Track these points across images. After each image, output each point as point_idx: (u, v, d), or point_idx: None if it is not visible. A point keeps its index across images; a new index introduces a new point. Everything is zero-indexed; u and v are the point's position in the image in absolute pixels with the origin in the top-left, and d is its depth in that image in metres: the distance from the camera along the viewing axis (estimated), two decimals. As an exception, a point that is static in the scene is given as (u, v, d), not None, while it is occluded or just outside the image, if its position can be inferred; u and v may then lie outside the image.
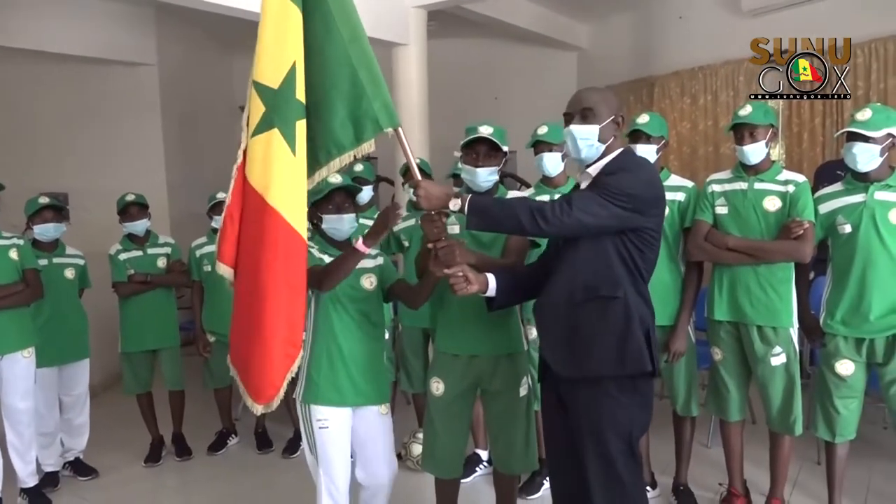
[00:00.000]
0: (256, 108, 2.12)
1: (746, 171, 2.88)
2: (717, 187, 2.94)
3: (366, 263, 2.45)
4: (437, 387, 2.53)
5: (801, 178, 2.82)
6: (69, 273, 3.70)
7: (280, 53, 2.10)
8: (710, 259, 2.93)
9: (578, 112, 2.12)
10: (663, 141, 3.05)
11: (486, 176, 2.49)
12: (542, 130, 3.07)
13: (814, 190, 2.92)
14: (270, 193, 2.09)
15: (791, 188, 2.77)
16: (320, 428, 2.41)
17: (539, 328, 2.21)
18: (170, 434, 4.14)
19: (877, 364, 2.72)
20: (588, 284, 2.07)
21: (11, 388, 3.38)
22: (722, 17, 5.84)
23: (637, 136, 3.00)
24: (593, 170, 2.14)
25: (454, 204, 2.05)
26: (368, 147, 2.19)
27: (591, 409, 2.07)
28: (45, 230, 3.60)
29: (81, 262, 3.80)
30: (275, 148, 2.09)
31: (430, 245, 2.17)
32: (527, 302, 2.49)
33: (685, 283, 3.01)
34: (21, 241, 3.43)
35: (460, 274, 2.13)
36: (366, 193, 3.79)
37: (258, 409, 2.19)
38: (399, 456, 3.21)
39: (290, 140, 2.10)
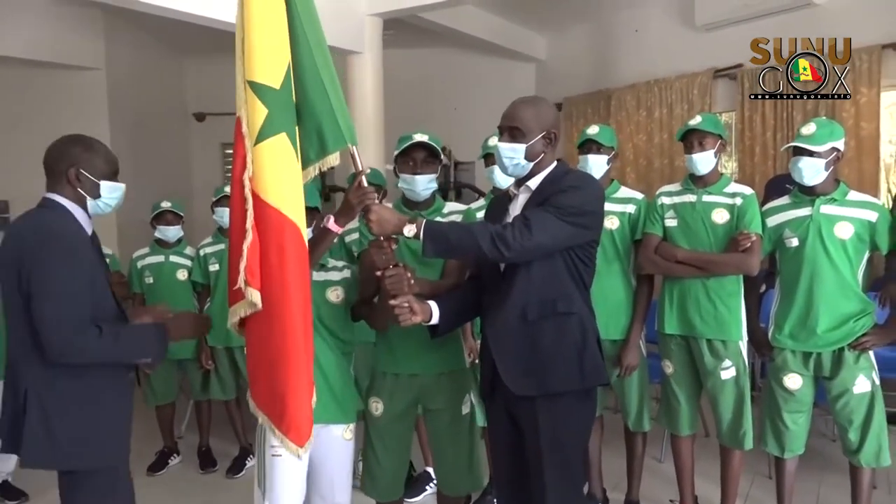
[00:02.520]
0: (257, 111, 1.90)
1: (695, 183, 2.87)
2: (666, 200, 2.92)
3: (332, 276, 2.35)
4: (377, 407, 2.44)
5: (748, 190, 2.82)
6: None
7: (277, 50, 1.94)
8: (660, 272, 2.92)
9: (507, 129, 2.12)
10: (614, 152, 3.03)
11: (425, 184, 2.42)
12: (492, 142, 3.03)
13: (764, 203, 2.92)
14: (286, 205, 1.89)
15: (738, 201, 2.77)
16: (273, 455, 2.17)
17: (492, 346, 2.15)
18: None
19: (824, 378, 2.72)
20: (543, 301, 2.06)
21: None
22: (677, 32, 5.90)
23: (588, 146, 2.99)
24: (533, 183, 2.14)
25: (408, 230, 1.99)
26: (334, 160, 2.05)
27: (551, 423, 2.05)
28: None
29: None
30: (284, 154, 1.92)
31: (378, 273, 2.08)
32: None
33: (636, 297, 2.99)
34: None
35: (405, 304, 2.06)
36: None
37: (299, 452, 1.93)
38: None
39: (295, 145, 1.96)
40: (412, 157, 2.40)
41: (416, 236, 1.99)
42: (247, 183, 1.91)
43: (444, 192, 6.89)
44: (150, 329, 2.03)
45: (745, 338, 2.85)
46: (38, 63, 5.61)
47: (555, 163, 2.17)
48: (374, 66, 5.14)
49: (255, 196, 1.90)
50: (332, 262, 2.39)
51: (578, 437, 2.15)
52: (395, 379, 2.43)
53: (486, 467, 2.55)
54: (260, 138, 1.90)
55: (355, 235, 3.48)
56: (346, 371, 2.40)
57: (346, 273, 2.40)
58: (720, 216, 2.78)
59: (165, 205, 3.86)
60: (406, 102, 6.64)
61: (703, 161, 2.80)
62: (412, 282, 2.08)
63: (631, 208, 2.98)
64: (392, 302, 2.06)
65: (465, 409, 2.45)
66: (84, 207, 2.02)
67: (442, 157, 2.45)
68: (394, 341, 2.41)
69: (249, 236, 1.88)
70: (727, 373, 2.81)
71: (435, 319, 2.16)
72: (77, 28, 5.72)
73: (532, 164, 2.12)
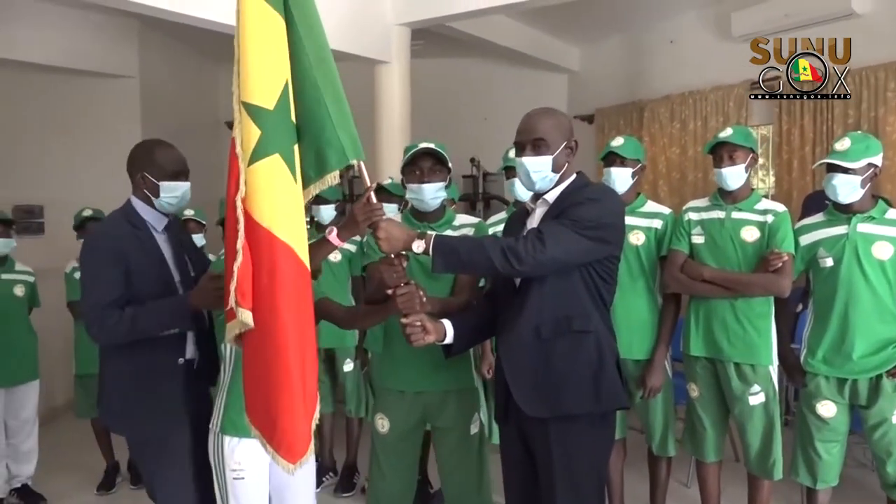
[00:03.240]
0: (251, 133, 1.87)
1: (724, 198, 2.77)
2: (693, 215, 2.82)
3: None
4: (382, 424, 2.39)
5: (780, 207, 2.70)
6: (18, 290, 3.57)
7: (272, 70, 1.90)
8: (685, 291, 2.82)
9: (530, 142, 2.05)
10: (639, 165, 2.93)
11: (433, 192, 2.37)
12: (513, 154, 2.96)
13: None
14: (279, 226, 1.86)
15: (770, 218, 2.66)
16: (235, 479, 2.13)
17: (505, 365, 2.08)
18: (125, 460, 3.95)
19: (860, 406, 2.58)
20: (558, 319, 2.00)
21: (-46, 412, 3.23)
22: (712, 43, 5.77)
23: (612, 159, 2.90)
24: (550, 196, 2.09)
25: (417, 245, 1.93)
26: (332, 179, 1.99)
27: (564, 448, 1.99)
28: (-7, 245, 3.47)
29: (31, 279, 3.67)
30: (278, 175, 1.88)
31: (388, 291, 2.03)
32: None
33: (662, 315, 2.89)
34: (-29, 257, 3.30)
35: (418, 323, 2.01)
36: (326, 213, 3.67)
37: (292, 469, 1.91)
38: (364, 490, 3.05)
39: (291, 165, 1.91)
40: (418, 165, 2.35)
41: (426, 252, 1.93)
42: (238, 204, 1.88)
43: (473, 203, 6.83)
44: (168, 302, 2.16)
45: (776, 362, 2.73)
46: (72, 71, 5.73)
47: (574, 175, 2.11)
48: (402, 76, 5.11)
49: (248, 217, 1.86)
50: None
51: (593, 464, 2.06)
52: (401, 396, 2.38)
53: (496, 486, 2.47)
54: (253, 159, 1.87)
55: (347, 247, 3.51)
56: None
57: None
58: (750, 234, 2.67)
59: (188, 213, 3.87)
60: (434, 113, 6.62)
61: (733, 175, 2.70)
62: (424, 300, 2.02)
63: (657, 223, 2.88)
64: (404, 321, 2.01)
65: (474, 429, 2.39)
66: (153, 206, 2.29)
67: (449, 164, 2.39)
68: (398, 357, 2.35)
69: (240, 257, 1.85)
70: (756, 398, 2.69)
71: (449, 339, 2.10)
72: (112, 36, 5.82)
73: (558, 176, 2.07)
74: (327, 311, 2.29)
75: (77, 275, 3.69)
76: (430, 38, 5.72)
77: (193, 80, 6.96)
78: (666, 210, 2.94)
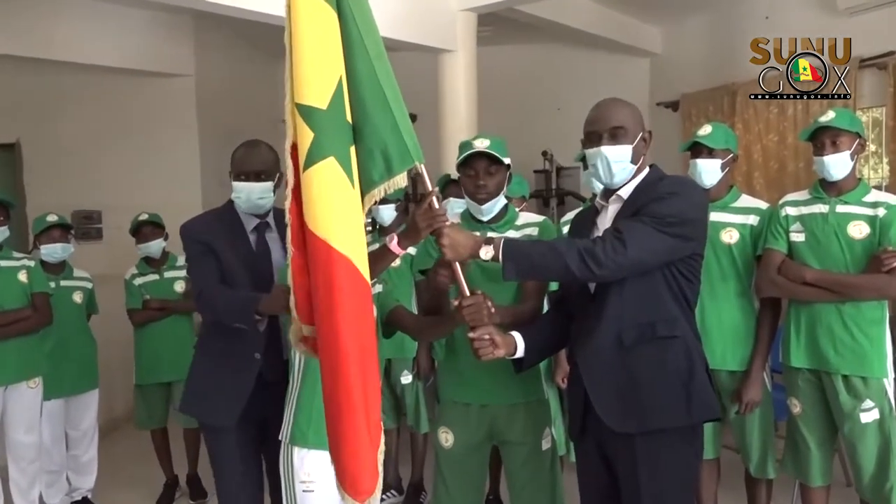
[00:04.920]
0: (304, 135, 1.87)
1: (827, 190, 2.69)
2: (791, 210, 2.75)
3: None
4: (446, 438, 2.42)
5: (894, 199, 2.61)
6: (77, 297, 3.75)
7: (324, 67, 1.90)
8: (784, 295, 2.75)
9: (607, 131, 2.04)
10: (730, 155, 2.86)
11: (490, 206, 2.38)
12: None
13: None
14: (336, 237, 1.85)
15: (881, 211, 2.57)
16: (304, 491, 2.19)
17: (585, 378, 2.07)
18: (185, 474, 4.11)
19: None
20: (641, 325, 1.99)
21: (16, 421, 3.42)
22: (815, 17, 5.57)
23: (698, 149, 2.85)
24: (624, 192, 2.08)
25: (485, 252, 1.94)
26: (401, 180, 1.98)
27: (651, 465, 1.97)
28: (53, 251, 3.66)
29: (89, 285, 3.86)
30: (334, 180, 1.87)
31: (454, 303, 2.04)
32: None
33: (759, 323, 2.83)
34: (31, 263, 3.50)
35: (486, 337, 2.02)
36: (387, 213, 3.71)
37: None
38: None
39: (348, 169, 1.90)
40: (473, 167, 2.35)
41: (495, 258, 1.93)
42: (286, 213, 1.94)
43: (546, 200, 6.80)
44: (239, 297, 2.36)
45: (892, 374, 2.64)
46: (127, 71, 5.99)
47: (647, 168, 2.10)
48: (468, 65, 5.15)
49: (305, 227, 1.89)
50: None
51: (682, 482, 2.04)
52: (466, 409, 2.40)
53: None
54: (307, 164, 1.86)
55: (374, 247, 3.51)
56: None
57: (378, 288, 2.37)
58: (858, 230, 2.59)
59: (51, 218, 3.76)
60: (504, 103, 6.62)
61: (837, 164, 2.61)
62: (493, 311, 2.02)
63: (753, 219, 2.81)
64: (472, 335, 2.01)
65: (546, 444, 2.39)
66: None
67: (507, 161, 2.37)
68: (462, 367, 2.37)
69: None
70: (868, 415, 2.60)
71: (520, 353, 2.11)
72: (167, 35, 6.06)
73: (635, 168, 2.07)
74: (401, 321, 2.33)
75: (137, 281, 3.90)
76: (498, 24, 5.73)
77: (250, 76, 7.17)
78: (763, 205, 2.87)
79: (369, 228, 4.63)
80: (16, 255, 3.48)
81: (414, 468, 3.89)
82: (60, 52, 5.41)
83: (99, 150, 6.36)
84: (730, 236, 2.79)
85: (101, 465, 3.98)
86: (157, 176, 6.22)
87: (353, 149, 1.93)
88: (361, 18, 1.99)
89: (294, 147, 1.93)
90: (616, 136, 2.03)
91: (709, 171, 2.81)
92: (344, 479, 1.88)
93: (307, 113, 1.87)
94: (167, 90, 6.33)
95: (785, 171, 5.77)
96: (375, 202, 2.01)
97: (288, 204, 1.94)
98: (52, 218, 3.67)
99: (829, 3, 5.40)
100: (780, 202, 2.82)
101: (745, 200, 2.88)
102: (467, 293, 2.01)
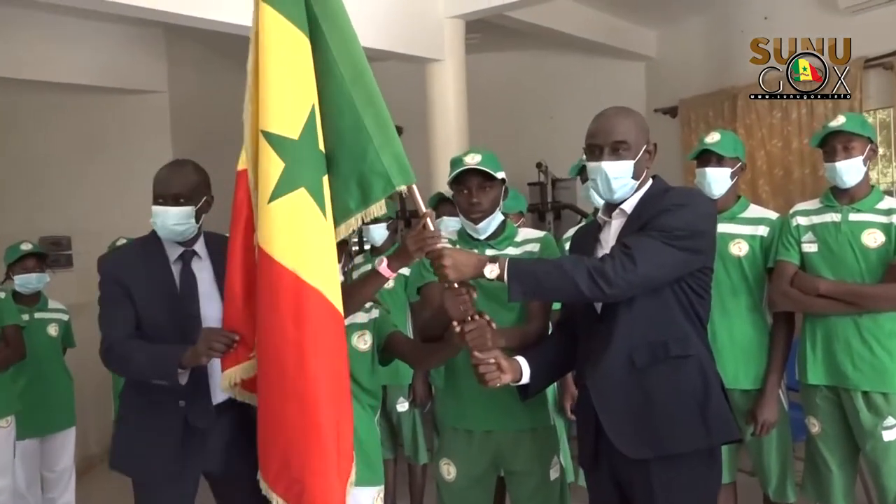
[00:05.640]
0: (273, 165, 1.93)
1: (839, 198, 2.72)
2: (803, 220, 2.78)
3: (359, 318, 2.34)
4: (448, 470, 2.42)
5: (909, 205, 2.64)
6: (52, 330, 3.75)
7: (296, 96, 1.96)
8: (797, 308, 2.77)
9: (609, 145, 2.05)
10: (739, 164, 2.89)
11: (486, 224, 2.40)
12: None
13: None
14: (306, 269, 1.93)
15: (896, 218, 2.60)
16: None
17: (595, 402, 2.06)
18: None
19: None
20: (653, 344, 2.00)
21: (-13, 463, 3.39)
22: (815, 17, 5.65)
23: (707, 157, 2.88)
24: (628, 206, 2.09)
25: (490, 270, 1.95)
26: (378, 209, 2.07)
27: (669, 491, 1.98)
28: (27, 281, 3.65)
29: (65, 317, 3.85)
30: (305, 211, 1.94)
31: (455, 325, 2.04)
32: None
33: (773, 338, 2.84)
34: (1, 295, 3.48)
35: (492, 361, 2.02)
36: (377, 233, 3.72)
37: None
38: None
39: (320, 200, 1.97)
40: (466, 184, 2.37)
41: (500, 278, 1.94)
42: (256, 246, 1.98)
43: (542, 214, 6.82)
44: (157, 353, 2.26)
45: (915, 388, 2.64)
46: (97, 88, 5.99)
47: (650, 180, 2.11)
48: (456, 74, 5.18)
49: (268, 259, 1.93)
50: None
51: None
52: (468, 437, 2.40)
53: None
54: (276, 195, 1.92)
55: (366, 268, 3.56)
56: (372, 426, 2.39)
57: (375, 313, 2.38)
58: (873, 238, 2.62)
59: (26, 247, 3.76)
60: (495, 113, 6.66)
61: (850, 170, 2.65)
62: (496, 333, 2.04)
63: (763, 230, 2.84)
64: (477, 357, 2.01)
65: (554, 474, 2.39)
66: None
67: (501, 176, 2.39)
68: (463, 391, 2.37)
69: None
70: (891, 433, 2.62)
71: (525, 378, 2.11)
72: (138, 50, 6.08)
73: (637, 183, 2.08)
74: (398, 348, 2.34)
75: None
76: (486, 31, 5.78)
77: (226, 92, 7.14)
78: (773, 214, 2.90)
79: (359, 249, 4.64)
80: (-17, 286, 3.48)
81: (413, 500, 3.87)
82: (28, 70, 5.42)
83: (68, 171, 6.34)
84: (739, 248, 2.81)
85: (79, 508, 3.94)
86: (129, 197, 6.17)
87: (325, 178, 1.99)
88: (337, 41, 2.03)
89: (244, 173, 2.00)
90: (618, 151, 2.04)
91: (718, 180, 2.83)
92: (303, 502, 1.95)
93: (277, 142, 1.93)
94: (140, 107, 6.35)
95: (791, 178, 5.81)
96: (364, 223, 2.08)
97: (258, 236, 1.98)
98: (26, 247, 3.66)
99: (829, 1, 5.47)
100: (791, 212, 2.85)
101: (754, 210, 2.91)
102: (470, 316, 2.02)
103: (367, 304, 2.36)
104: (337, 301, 1.98)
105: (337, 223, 2.04)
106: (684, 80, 6.56)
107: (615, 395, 2.03)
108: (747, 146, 5.91)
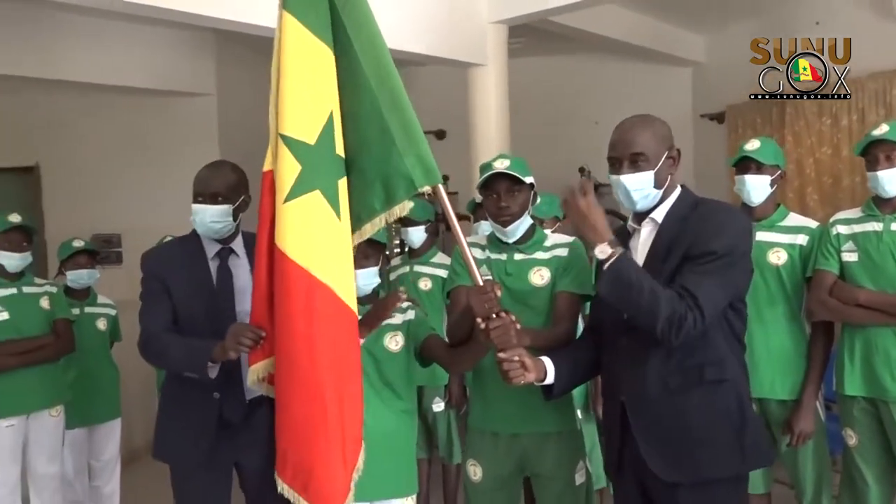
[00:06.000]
0: (289, 167, 2.03)
1: (881, 207, 2.71)
2: (843, 229, 2.76)
3: (393, 319, 2.39)
4: (475, 471, 2.45)
5: (952, 216, 2.60)
6: (101, 324, 3.88)
7: (314, 103, 2.05)
8: (836, 318, 2.77)
9: (627, 157, 2.05)
10: (779, 171, 2.88)
11: (515, 228, 2.43)
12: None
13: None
14: (318, 267, 2.03)
15: (939, 229, 2.58)
16: None
17: (631, 420, 2.07)
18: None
19: None
20: (688, 367, 2.00)
21: (38, 451, 3.54)
22: (869, 22, 5.57)
23: (746, 165, 2.87)
24: (658, 215, 2.10)
25: (601, 251, 1.94)
26: (401, 209, 2.13)
27: None
28: (79, 276, 3.79)
29: (113, 312, 3.99)
30: (318, 212, 2.04)
31: (480, 322, 2.06)
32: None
33: (810, 348, 2.83)
34: (53, 289, 3.63)
35: (516, 359, 2.04)
36: (416, 235, 3.78)
37: None
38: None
39: (334, 202, 2.06)
40: (494, 189, 2.40)
41: (605, 262, 1.94)
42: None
43: (584, 219, 6.82)
44: (190, 346, 2.37)
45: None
46: (149, 91, 6.19)
47: (678, 189, 2.12)
48: (499, 79, 5.22)
49: (282, 256, 2.02)
50: None
51: None
52: (494, 439, 2.43)
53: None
54: (291, 196, 2.02)
55: (404, 270, 3.66)
56: (407, 434, 2.42)
57: (410, 314, 2.42)
58: (915, 249, 2.60)
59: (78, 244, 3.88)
60: (537, 117, 6.69)
61: (892, 179, 2.64)
62: (520, 331, 2.06)
63: (802, 239, 2.83)
64: (501, 356, 2.04)
65: (580, 479, 2.41)
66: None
67: (530, 180, 2.42)
68: (489, 393, 2.40)
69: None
70: (929, 446, 2.58)
71: (550, 379, 2.13)
72: (189, 54, 6.25)
73: (661, 192, 2.08)
74: (433, 352, 2.37)
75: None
76: (530, 35, 5.81)
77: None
78: (812, 223, 2.89)
79: (399, 251, 4.71)
80: (38, 281, 3.62)
81: (446, 502, 3.92)
82: (80, 73, 5.62)
83: (119, 171, 6.56)
84: (777, 257, 2.80)
85: (123, 496, 4.09)
86: (176, 197, 6.32)
87: (341, 182, 2.08)
88: (364, 47, 2.11)
89: (269, 174, 2.09)
90: (636, 163, 2.04)
91: (757, 188, 2.83)
92: (317, 497, 2.04)
93: (294, 145, 2.03)
94: (188, 110, 6.52)
95: (840, 186, 5.74)
96: (387, 223, 2.16)
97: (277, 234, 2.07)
98: (78, 244, 3.80)
99: (884, 6, 5.39)
100: (831, 220, 2.84)
101: (794, 219, 2.90)
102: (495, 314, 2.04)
103: (404, 305, 2.41)
104: (349, 298, 2.07)
105: (362, 223, 2.14)
106: (732, 86, 6.47)
107: (650, 414, 2.03)
108: (795, 153, 5.88)
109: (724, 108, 6.51)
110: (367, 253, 2.36)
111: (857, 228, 2.73)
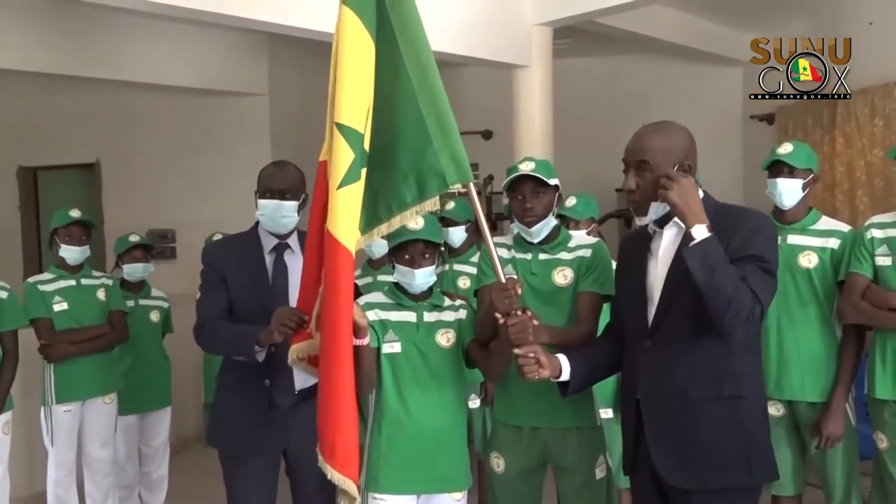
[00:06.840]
0: (344, 155, 2.10)
1: (916, 211, 2.70)
2: (878, 233, 2.78)
3: (445, 316, 2.43)
4: (498, 463, 2.53)
5: None
6: (154, 316, 4.09)
7: (361, 94, 2.15)
8: (868, 322, 2.78)
9: (633, 164, 2.10)
10: (811, 175, 2.91)
11: (539, 228, 2.50)
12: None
13: None
14: (353, 247, 2.16)
15: (973, 234, 2.57)
16: None
17: (647, 423, 2.13)
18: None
19: None
20: (708, 381, 2.04)
21: (92, 435, 3.76)
22: (924, 22, 5.47)
23: (779, 168, 2.90)
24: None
25: (699, 230, 1.92)
26: (432, 204, 2.23)
27: None
28: (135, 270, 4.00)
29: (166, 304, 4.19)
30: (358, 199, 2.17)
31: (499, 318, 2.13)
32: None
33: (841, 353, 2.85)
34: (110, 281, 3.84)
35: (531, 355, 2.11)
36: (457, 235, 3.88)
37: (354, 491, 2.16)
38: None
39: (364, 193, 2.21)
40: (520, 190, 2.47)
41: (688, 243, 1.93)
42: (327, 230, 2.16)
43: (628, 220, 6.84)
44: (238, 331, 2.54)
45: None
46: (202, 91, 6.42)
47: (700, 195, 2.11)
48: (543, 80, 5.27)
49: (335, 242, 2.12)
50: (447, 301, 2.47)
51: None
52: (517, 432, 2.50)
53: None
54: (344, 182, 2.11)
55: (468, 268, 3.72)
56: (458, 429, 2.45)
57: (462, 313, 2.46)
58: (950, 253, 2.60)
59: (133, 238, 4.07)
60: (584, 118, 6.71)
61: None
62: (538, 328, 2.14)
63: (834, 243, 2.85)
64: (517, 351, 2.11)
65: (600, 473, 2.47)
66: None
67: (555, 182, 2.48)
68: (512, 389, 2.47)
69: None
70: (960, 451, 2.59)
71: (565, 376, 2.20)
72: (242, 55, 6.45)
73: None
74: (472, 354, 2.41)
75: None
76: (576, 36, 5.83)
77: (323, 93, 7.45)
78: (844, 227, 2.91)
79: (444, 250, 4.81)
80: (96, 273, 3.84)
81: (481, 494, 4.01)
82: (138, 73, 5.87)
83: (173, 169, 6.82)
84: (808, 260, 2.83)
85: (172, 482, 4.28)
86: (229, 194, 6.55)
87: (363, 171, 2.17)
88: (408, 45, 2.21)
89: (324, 163, 2.21)
90: (640, 170, 2.07)
91: (789, 192, 2.86)
92: (343, 465, 2.14)
93: (349, 134, 2.12)
94: (241, 109, 6.72)
95: (892, 189, 5.63)
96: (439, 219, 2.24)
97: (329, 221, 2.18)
98: (134, 238, 4.02)
99: (939, 6, 5.30)
100: (866, 224, 2.85)
101: (825, 223, 2.92)
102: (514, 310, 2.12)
103: (457, 303, 2.48)
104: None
105: (392, 214, 2.24)
106: (782, 87, 6.46)
107: (664, 418, 2.08)
108: (846, 156, 5.81)
109: (774, 110, 6.44)
110: (425, 253, 2.37)
111: (892, 232, 2.74)
